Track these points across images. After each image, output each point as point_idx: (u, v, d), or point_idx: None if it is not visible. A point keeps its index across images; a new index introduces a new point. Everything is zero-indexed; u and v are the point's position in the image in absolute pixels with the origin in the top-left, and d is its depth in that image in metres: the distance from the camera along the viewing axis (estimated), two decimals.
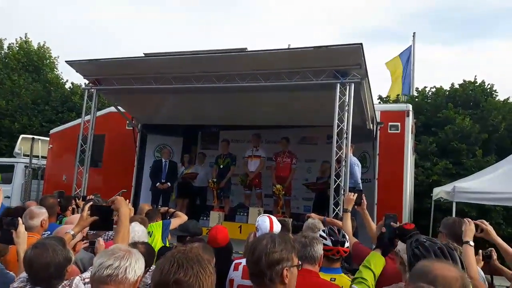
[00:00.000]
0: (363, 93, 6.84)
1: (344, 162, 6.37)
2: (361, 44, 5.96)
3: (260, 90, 7.33)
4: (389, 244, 2.69)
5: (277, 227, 3.44)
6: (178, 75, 7.39)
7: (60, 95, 20.42)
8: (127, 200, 3.38)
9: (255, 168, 9.16)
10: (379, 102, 17.38)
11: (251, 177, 9.15)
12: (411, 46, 17.65)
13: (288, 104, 7.89)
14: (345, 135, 6.37)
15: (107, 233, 3.48)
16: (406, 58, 17.64)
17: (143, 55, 7.36)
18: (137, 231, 3.37)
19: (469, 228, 2.84)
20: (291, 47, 7.12)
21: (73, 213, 5.33)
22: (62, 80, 22.57)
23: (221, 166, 9.45)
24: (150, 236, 4.50)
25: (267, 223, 3.42)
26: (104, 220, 2.92)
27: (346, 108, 6.37)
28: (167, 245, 4.67)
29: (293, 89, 7.06)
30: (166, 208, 5.94)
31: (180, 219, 5.09)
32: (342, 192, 6.23)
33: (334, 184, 6.33)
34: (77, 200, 5.94)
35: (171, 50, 7.26)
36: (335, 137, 6.38)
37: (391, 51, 63.14)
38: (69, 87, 21.58)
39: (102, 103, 18.92)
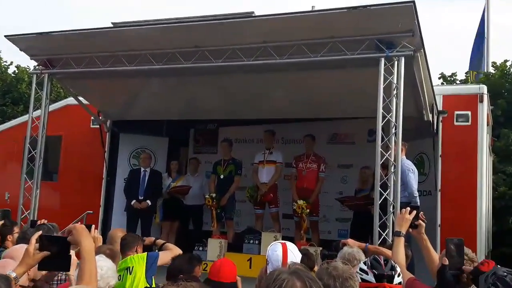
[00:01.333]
0: (417, 71, 6.80)
1: (393, 167, 6.35)
2: (413, 2, 5.92)
3: (273, 70, 7.33)
4: (454, 281, 2.67)
5: (293, 257, 3.39)
6: (160, 51, 7.41)
7: (1, 82, 20.65)
8: (93, 227, 3.38)
9: (268, 178, 9.15)
10: (442, 84, 17.29)
11: (264, 191, 9.14)
12: (484, 6, 17.56)
13: (313, 88, 7.87)
14: (393, 130, 6.36)
15: (60, 274, 3.47)
16: (479, 22, 17.57)
17: (111, 25, 7.41)
18: (101, 267, 3.32)
19: None
20: (315, 9, 7.07)
21: (17, 243, 5.34)
22: (4, 63, 22.82)
23: (222, 176, 9.46)
24: (130, 274, 4.50)
25: (279, 251, 3.35)
26: (58, 256, 2.86)
27: (395, 92, 6.35)
28: (153, 286, 4.68)
29: (319, 68, 7.04)
30: (153, 238, 5.92)
31: (172, 252, 5.09)
32: (391, 209, 6.20)
33: (380, 199, 6.31)
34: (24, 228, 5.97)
35: (148, 18, 7.32)
36: (379, 132, 6.37)
37: (456, 12, 62.69)
38: (13, 72, 21.81)
39: (57, 92, 19.16)
